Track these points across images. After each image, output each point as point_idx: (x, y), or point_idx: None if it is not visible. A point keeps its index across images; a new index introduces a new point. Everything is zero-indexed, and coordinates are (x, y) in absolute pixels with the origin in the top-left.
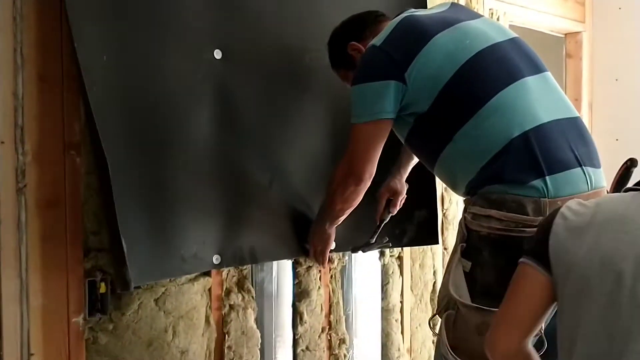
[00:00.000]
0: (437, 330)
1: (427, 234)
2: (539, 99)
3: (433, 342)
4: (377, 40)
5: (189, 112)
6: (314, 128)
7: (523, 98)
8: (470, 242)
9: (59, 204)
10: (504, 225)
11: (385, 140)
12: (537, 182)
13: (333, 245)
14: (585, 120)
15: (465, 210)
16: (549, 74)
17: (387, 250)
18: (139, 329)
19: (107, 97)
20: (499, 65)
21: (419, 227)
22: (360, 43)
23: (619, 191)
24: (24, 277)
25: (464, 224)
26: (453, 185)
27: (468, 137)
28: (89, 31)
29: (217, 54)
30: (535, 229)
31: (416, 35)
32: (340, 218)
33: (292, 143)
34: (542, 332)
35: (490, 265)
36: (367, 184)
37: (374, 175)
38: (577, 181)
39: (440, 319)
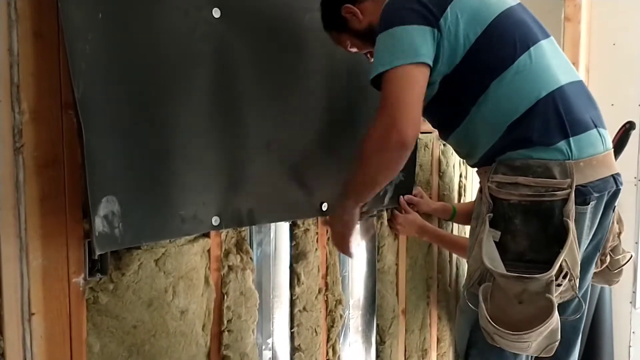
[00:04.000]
0: (468, 302)
1: (404, 194)
2: (554, 62)
3: (453, 313)
4: None
5: (187, 72)
6: (313, 88)
7: (542, 61)
8: (498, 211)
9: (57, 164)
10: (533, 192)
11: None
12: (562, 144)
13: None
14: None
15: (487, 180)
16: (553, 38)
17: (384, 213)
18: (139, 289)
19: (100, 56)
20: (518, 28)
21: (396, 188)
22: (356, 6)
23: (619, 153)
24: (23, 236)
25: (488, 194)
26: (468, 154)
27: (492, 100)
28: None
29: (216, 13)
30: (565, 192)
31: None
32: (370, 193)
33: (291, 104)
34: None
35: (523, 232)
36: (412, 144)
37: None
38: (595, 142)
39: (473, 292)
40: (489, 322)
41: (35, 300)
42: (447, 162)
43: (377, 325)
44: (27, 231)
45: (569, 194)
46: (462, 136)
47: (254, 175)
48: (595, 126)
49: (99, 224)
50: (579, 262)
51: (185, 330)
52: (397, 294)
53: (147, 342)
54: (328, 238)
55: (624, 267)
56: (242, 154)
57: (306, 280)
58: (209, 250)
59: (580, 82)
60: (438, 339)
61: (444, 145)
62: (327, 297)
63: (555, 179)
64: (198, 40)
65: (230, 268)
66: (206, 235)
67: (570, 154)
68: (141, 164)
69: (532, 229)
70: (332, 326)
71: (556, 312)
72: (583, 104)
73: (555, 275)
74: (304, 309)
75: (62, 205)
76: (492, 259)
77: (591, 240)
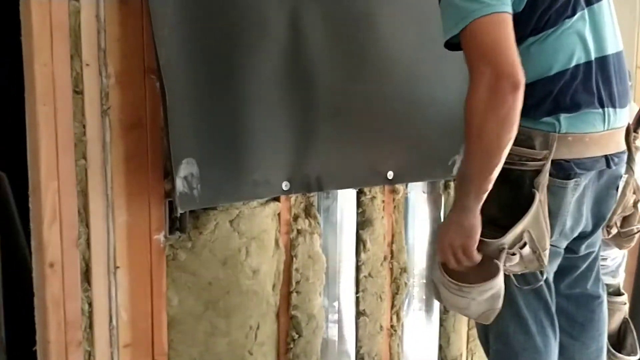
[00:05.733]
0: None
1: None
2: (601, 29)
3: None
4: None
5: (261, 37)
6: (384, 55)
7: (588, 26)
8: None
9: (140, 126)
10: (507, 159)
11: None
12: (551, 119)
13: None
14: None
15: None
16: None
17: (452, 183)
18: (214, 247)
19: (181, 21)
20: None
21: None
22: None
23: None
24: (109, 194)
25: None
26: None
27: (533, 50)
28: None
29: None
30: (539, 163)
31: None
32: (493, 167)
33: (361, 71)
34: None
35: (495, 197)
36: (523, 86)
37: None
38: (594, 121)
39: None
40: (440, 269)
41: (120, 255)
42: None
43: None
44: (113, 189)
45: (542, 166)
46: None
47: (323, 141)
48: (602, 105)
49: (179, 185)
50: (550, 235)
51: (257, 289)
52: None
53: (222, 298)
54: (394, 206)
55: (635, 235)
56: (312, 120)
57: (372, 247)
58: (279, 214)
59: (617, 54)
60: None
61: None
62: (392, 265)
63: (534, 149)
64: (272, 5)
65: (299, 232)
66: (276, 199)
67: (558, 128)
68: (218, 128)
69: (502, 195)
70: (397, 293)
71: (500, 279)
72: (605, 80)
73: (510, 244)
74: (369, 275)
75: (145, 165)
76: None
77: (587, 217)
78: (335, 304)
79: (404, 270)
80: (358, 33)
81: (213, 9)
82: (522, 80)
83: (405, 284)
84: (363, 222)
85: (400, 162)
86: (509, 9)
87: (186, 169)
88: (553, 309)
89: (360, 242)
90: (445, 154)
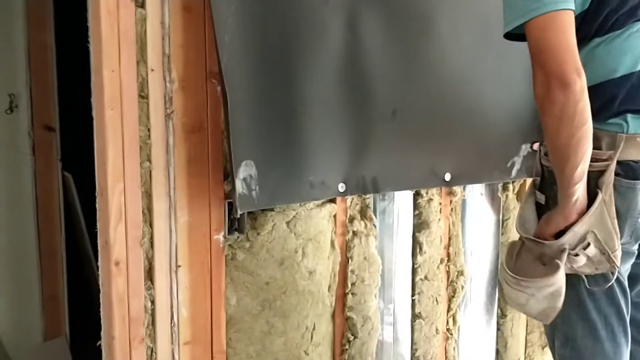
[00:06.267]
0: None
1: (531, 167)
2: None
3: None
4: None
5: (319, 41)
6: (440, 57)
7: None
8: (544, 176)
9: (202, 130)
10: None
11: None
12: (619, 119)
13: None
14: None
15: (540, 143)
16: None
17: (511, 185)
18: (272, 248)
19: (241, 26)
20: None
21: (524, 160)
22: None
23: None
24: (172, 195)
25: (538, 159)
26: None
27: (598, 51)
28: None
29: None
30: (604, 163)
31: None
32: (571, 157)
33: (418, 73)
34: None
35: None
36: (579, 82)
37: (582, 72)
38: None
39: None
40: (503, 266)
41: (182, 254)
42: None
43: (499, 298)
44: (175, 190)
45: (607, 166)
46: None
47: (378, 143)
48: None
49: (239, 186)
50: (619, 236)
51: (313, 290)
52: None
53: (279, 298)
54: (451, 209)
55: None
56: (368, 122)
57: (428, 249)
58: (335, 216)
59: None
60: None
61: None
62: (448, 268)
63: (601, 150)
64: (330, 9)
65: (354, 233)
66: (332, 200)
67: (626, 128)
68: (276, 131)
69: None
70: (453, 296)
71: (558, 277)
72: None
73: (573, 244)
74: (426, 277)
75: (206, 167)
76: (524, 221)
77: None
78: (391, 306)
79: (460, 273)
80: (415, 34)
81: (272, 15)
82: (573, 77)
83: (462, 287)
84: (419, 224)
85: (458, 164)
86: (570, 6)
87: (245, 171)
88: (627, 315)
89: (416, 245)
90: (504, 156)
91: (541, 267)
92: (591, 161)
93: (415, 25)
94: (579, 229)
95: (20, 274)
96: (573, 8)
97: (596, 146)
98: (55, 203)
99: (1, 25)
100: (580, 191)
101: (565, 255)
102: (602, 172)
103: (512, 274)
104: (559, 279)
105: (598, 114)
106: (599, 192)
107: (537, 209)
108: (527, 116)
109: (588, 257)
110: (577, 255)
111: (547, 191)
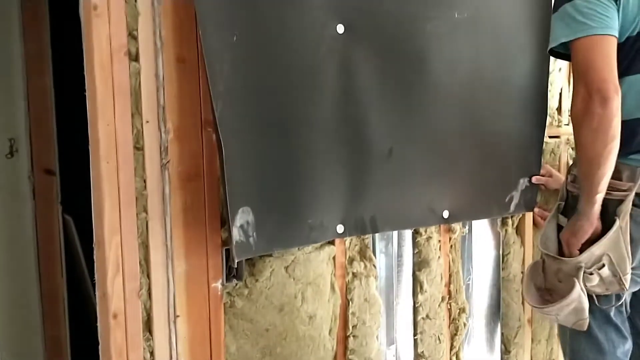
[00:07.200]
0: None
1: (529, 201)
2: None
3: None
4: None
5: (314, 87)
6: (435, 97)
7: None
8: (567, 201)
9: (198, 178)
10: None
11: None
12: (637, 156)
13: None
14: None
15: (568, 172)
16: None
17: (509, 220)
18: (271, 294)
19: (235, 75)
20: None
21: (522, 194)
22: None
23: None
24: (169, 245)
25: (565, 185)
26: None
27: (625, 90)
28: (216, 15)
29: (340, 29)
30: (623, 193)
31: None
32: (596, 171)
33: (413, 113)
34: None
35: None
36: (617, 100)
37: (620, 92)
38: None
39: None
40: (524, 297)
41: (180, 304)
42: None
43: (502, 334)
44: (172, 240)
45: (626, 196)
46: None
47: (376, 182)
48: None
49: (236, 234)
50: (631, 260)
51: (313, 334)
52: (522, 303)
53: (279, 344)
54: (451, 246)
55: None
56: (365, 161)
57: (429, 288)
58: (334, 258)
59: None
60: None
61: (573, 149)
62: (450, 305)
63: (621, 181)
64: (324, 55)
65: (354, 275)
66: (331, 242)
67: None
68: (272, 176)
69: None
70: (456, 334)
71: (575, 294)
72: None
73: (589, 264)
74: (427, 316)
75: (203, 215)
76: (546, 239)
77: None
78: (393, 346)
79: (462, 310)
80: (410, 74)
81: (266, 61)
82: (612, 94)
83: (465, 324)
84: (419, 263)
85: (456, 201)
86: (614, 33)
87: (242, 218)
88: (625, 330)
89: (417, 283)
90: (502, 191)
91: (559, 285)
92: (612, 190)
93: (409, 66)
94: (595, 250)
95: (23, 317)
96: (617, 35)
97: (616, 177)
98: (56, 246)
99: (1, 70)
100: (599, 200)
101: (581, 273)
102: (621, 201)
103: (531, 304)
104: (575, 296)
105: (620, 149)
106: (617, 218)
107: (558, 230)
108: (524, 150)
109: (601, 278)
110: (591, 274)
111: (569, 215)
